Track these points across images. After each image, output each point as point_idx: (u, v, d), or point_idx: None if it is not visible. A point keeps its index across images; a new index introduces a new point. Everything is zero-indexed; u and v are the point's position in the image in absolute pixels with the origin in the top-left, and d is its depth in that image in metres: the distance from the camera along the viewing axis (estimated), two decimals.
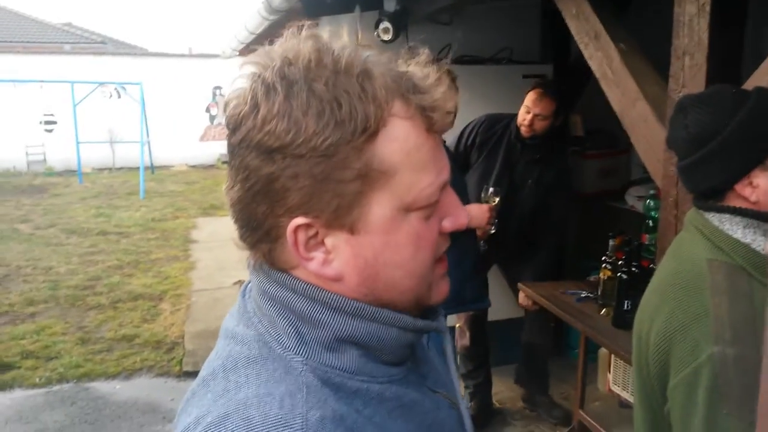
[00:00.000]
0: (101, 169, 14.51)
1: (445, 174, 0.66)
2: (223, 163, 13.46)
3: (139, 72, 14.52)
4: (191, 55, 16.57)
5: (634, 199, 3.85)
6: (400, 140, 0.61)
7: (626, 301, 2.49)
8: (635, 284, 2.49)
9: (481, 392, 3.43)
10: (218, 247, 7.48)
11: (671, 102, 1.70)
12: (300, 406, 0.59)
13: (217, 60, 15.25)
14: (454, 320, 3.45)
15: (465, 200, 2.56)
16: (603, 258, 2.68)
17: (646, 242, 3.06)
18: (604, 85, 1.92)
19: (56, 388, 4.03)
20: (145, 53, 17.11)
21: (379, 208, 0.62)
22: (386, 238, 0.63)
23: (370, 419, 0.63)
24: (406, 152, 0.61)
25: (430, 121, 0.63)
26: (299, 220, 0.61)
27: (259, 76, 0.61)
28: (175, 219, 9.25)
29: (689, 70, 1.63)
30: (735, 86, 1.16)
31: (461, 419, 0.77)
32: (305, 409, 0.58)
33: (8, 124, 14.11)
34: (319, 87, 0.59)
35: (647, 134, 1.79)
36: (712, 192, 1.12)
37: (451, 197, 0.68)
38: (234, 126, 0.62)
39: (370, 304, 0.65)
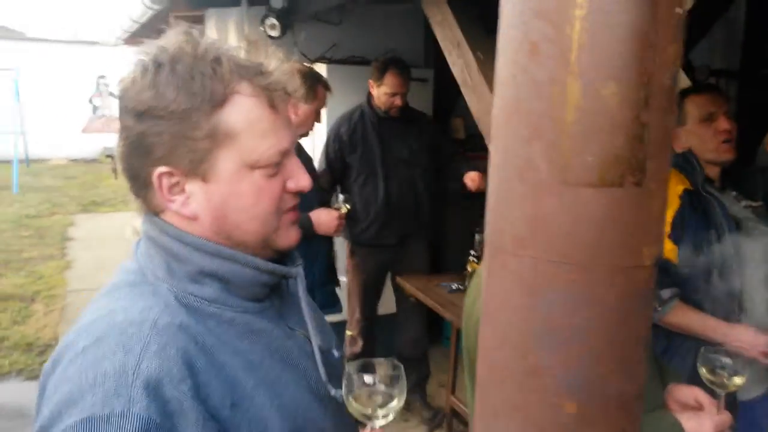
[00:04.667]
0: None
1: (286, 143, 0.83)
2: (107, 156, 12.77)
3: (14, 57, 13.49)
4: (72, 42, 15.56)
5: None
6: (243, 112, 0.79)
7: None
8: None
9: None
10: (98, 245, 7.13)
11: None
12: (155, 313, 0.76)
13: (101, 48, 14.45)
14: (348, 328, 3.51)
15: (312, 207, 2.61)
16: (471, 252, 2.87)
17: None
18: (465, 92, 2.05)
19: None
20: (22, 37, 15.87)
21: (225, 162, 0.79)
22: (231, 188, 0.80)
23: (218, 337, 0.79)
24: (248, 121, 0.79)
25: (272, 99, 0.81)
26: (162, 169, 0.79)
27: (140, 60, 0.79)
28: (52, 215, 8.71)
29: None
30: None
31: (312, 353, 0.91)
32: (158, 316, 0.76)
33: None
34: (179, 68, 0.77)
35: None
36: None
37: (295, 163, 0.85)
38: (119, 96, 0.80)
39: (225, 246, 0.82)
